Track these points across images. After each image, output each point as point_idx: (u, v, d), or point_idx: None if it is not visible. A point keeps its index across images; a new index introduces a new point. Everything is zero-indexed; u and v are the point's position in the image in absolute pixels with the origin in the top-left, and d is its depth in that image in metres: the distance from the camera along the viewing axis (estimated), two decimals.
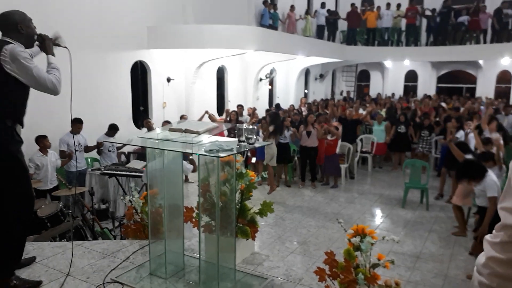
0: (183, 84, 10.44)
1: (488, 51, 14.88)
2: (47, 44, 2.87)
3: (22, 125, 2.77)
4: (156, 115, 9.67)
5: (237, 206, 3.19)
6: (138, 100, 9.50)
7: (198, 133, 2.94)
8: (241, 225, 3.20)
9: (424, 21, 16.29)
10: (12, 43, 2.59)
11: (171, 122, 7.53)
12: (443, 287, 4.61)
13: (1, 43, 2.58)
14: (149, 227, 3.25)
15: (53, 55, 2.88)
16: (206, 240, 3.11)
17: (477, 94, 16.48)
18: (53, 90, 2.69)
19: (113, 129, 7.31)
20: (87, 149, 7.00)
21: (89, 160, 7.50)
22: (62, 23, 7.03)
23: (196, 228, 3.31)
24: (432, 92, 17.51)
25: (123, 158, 7.90)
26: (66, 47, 2.93)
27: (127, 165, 6.28)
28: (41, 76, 2.61)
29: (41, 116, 6.57)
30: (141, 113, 9.55)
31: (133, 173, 5.93)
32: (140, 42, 9.08)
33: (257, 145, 2.92)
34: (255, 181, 3.41)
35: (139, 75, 9.47)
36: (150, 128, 8.01)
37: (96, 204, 6.18)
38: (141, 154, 7.17)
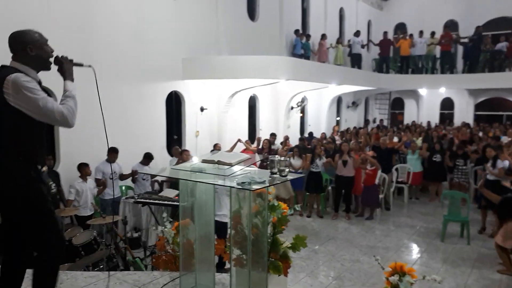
0: (216, 113, 10.60)
1: None
2: (65, 68, 2.53)
3: (38, 163, 2.42)
4: (189, 144, 9.82)
5: (269, 240, 3.12)
6: (172, 129, 9.71)
7: (231, 165, 2.93)
8: (273, 259, 3.11)
9: (460, 48, 15.97)
10: (18, 70, 2.32)
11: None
12: None
13: (4, 72, 2.29)
14: (180, 259, 3.22)
15: (72, 80, 2.53)
16: (237, 274, 3.04)
17: None
18: (63, 123, 2.34)
19: (147, 158, 7.46)
20: (122, 177, 7.15)
21: (123, 188, 7.65)
22: (100, 55, 7.38)
23: (227, 261, 3.25)
24: (469, 120, 16.97)
25: (156, 186, 8.01)
26: (90, 66, 2.65)
27: (160, 194, 6.35)
28: (48, 108, 2.27)
29: (79, 144, 6.83)
30: (175, 142, 9.73)
31: (166, 202, 5.99)
32: (175, 73, 9.36)
33: (289, 177, 2.87)
34: (288, 214, 3.34)
35: (174, 105, 9.71)
36: (182, 159, 7.94)
37: (128, 232, 6.25)
38: (174, 182, 7.24)
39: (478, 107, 17.92)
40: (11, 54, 2.44)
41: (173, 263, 3.65)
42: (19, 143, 2.31)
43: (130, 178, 7.29)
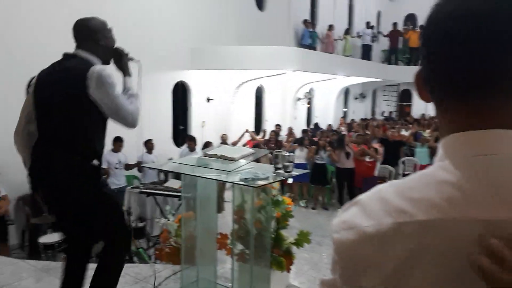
0: (222, 103, 10.55)
1: None
2: (124, 62, 2.33)
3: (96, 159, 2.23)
4: (195, 134, 9.77)
5: (272, 235, 3.09)
6: (178, 120, 9.68)
7: (234, 160, 2.89)
8: (276, 255, 3.09)
9: None
10: (90, 61, 2.16)
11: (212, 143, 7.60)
12: None
13: (84, 63, 2.13)
14: (182, 252, 3.21)
15: (130, 75, 2.36)
16: (239, 269, 3.02)
17: None
18: (132, 124, 2.19)
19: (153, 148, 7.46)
20: (128, 167, 7.15)
21: (128, 178, 7.65)
22: None
23: (229, 255, 3.23)
24: None
25: (162, 176, 8.00)
26: (139, 61, 2.38)
27: (165, 184, 6.35)
28: (124, 108, 2.13)
29: None
30: (181, 132, 9.70)
31: (170, 193, 5.98)
32: (183, 63, 9.29)
33: (294, 173, 2.82)
34: (296, 206, 3.31)
35: (180, 95, 9.67)
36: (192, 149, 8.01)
37: (133, 222, 6.26)
38: (179, 173, 7.22)
39: None
40: None
41: (176, 256, 3.64)
42: (85, 140, 2.14)
43: (136, 168, 7.29)
